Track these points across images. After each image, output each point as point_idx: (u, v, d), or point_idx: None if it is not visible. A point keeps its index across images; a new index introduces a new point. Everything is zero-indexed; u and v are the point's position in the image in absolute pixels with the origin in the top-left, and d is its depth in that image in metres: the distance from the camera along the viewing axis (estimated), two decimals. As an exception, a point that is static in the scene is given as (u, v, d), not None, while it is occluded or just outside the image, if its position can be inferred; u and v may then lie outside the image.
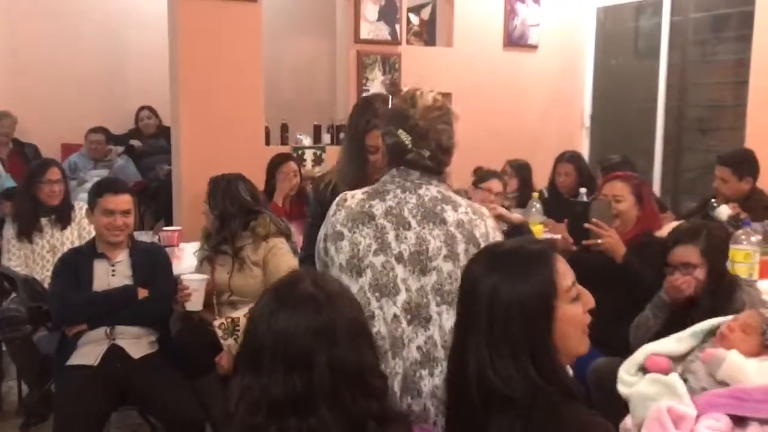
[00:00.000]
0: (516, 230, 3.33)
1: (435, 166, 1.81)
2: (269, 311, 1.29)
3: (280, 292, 1.33)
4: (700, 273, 2.35)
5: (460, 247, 1.73)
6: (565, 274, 1.31)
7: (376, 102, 2.28)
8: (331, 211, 1.85)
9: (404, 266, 1.73)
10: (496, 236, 1.80)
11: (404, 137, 1.79)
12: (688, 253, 2.36)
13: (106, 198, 2.81)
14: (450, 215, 1.76)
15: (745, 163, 3.75)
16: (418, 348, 1.71)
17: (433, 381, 1.70)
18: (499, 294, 1.27)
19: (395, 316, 1.72)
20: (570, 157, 4.55)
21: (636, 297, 2.60)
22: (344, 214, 1.81)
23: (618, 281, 2.58)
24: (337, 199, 1.86)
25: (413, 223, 1.75)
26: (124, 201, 2.84)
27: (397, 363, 1.70)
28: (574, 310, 1.30)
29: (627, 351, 2.42)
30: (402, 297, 1.72)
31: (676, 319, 2.33)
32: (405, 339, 1.71)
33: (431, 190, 1.79)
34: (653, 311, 2.48)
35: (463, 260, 1.71)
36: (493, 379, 1.24)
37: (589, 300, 1.34)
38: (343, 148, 2.41)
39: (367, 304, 1.71)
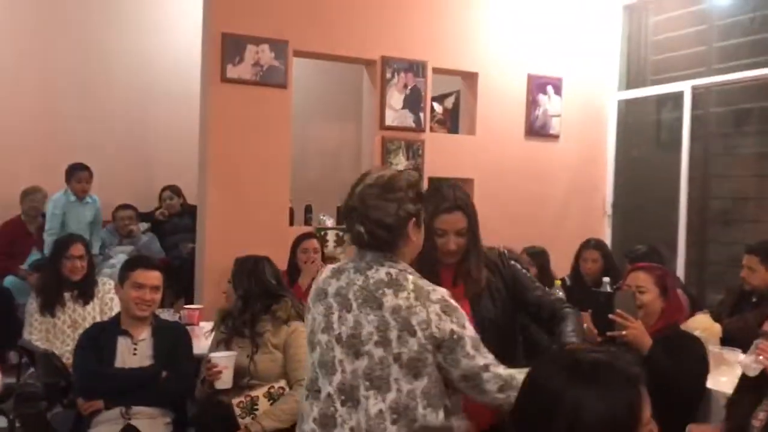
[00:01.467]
0: None
1: (375, 243, 1.77)
2: None
3: None
4: None
5: (393, 334, 1.70)
6: (648, 402, 1.24)
7: (444, 187, 2.34)
8: None
9: (341, 347, 1.75)
10: (441, 323, 1.71)
11: (344, 215, 1.84)
12: None
13: (137, 272, 2.86)
14: (389, 300, 1.72)
15: None
16: (351, 429, 1.72)
17: None
18: (581, 414, 1.18)
19: (329, 395, 1.75)
20: (596, 244, 4.54)
21: (661, 390, 2.53)
22: (314, 289, 1.87)
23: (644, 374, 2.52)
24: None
25: (354, 306, 1.76)
26: (154, 277, 2.89)
27: None
28: None
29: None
30: (337, 378, 1.74)
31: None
32: (338, 419, 1.74)
33: (380, 272, 1.76)
34: None
35: (395, 347, 1.69)
36: None
37: None
38: None
39: (315, 379, 1.80)
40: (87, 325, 3.38)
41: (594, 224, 5.97)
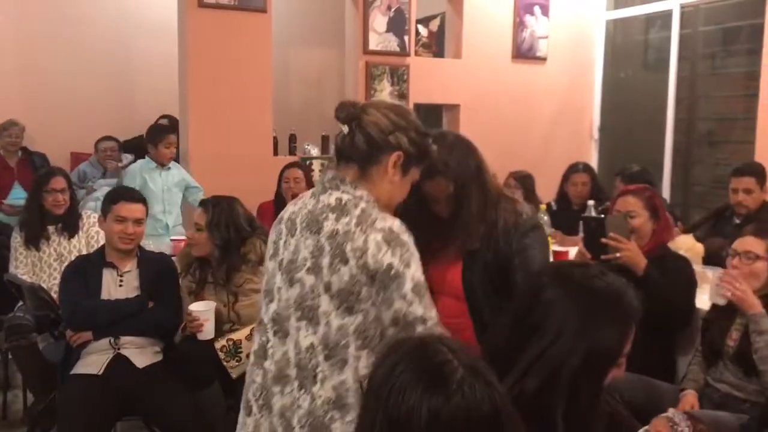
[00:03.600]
0: None
1: (350, 151, 1.61)
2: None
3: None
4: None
5: (325, 260, 1.53)
6: (630, 340, 1.30)
7: (441, 142, 1.88)
8: None
9: (281, 274, 1.63)
10: (379, 254, 1.49)
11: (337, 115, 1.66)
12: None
13: (120, 205, 2.82)
14: (328, 225, 1.55)
15: (764, 174, 3.71)
16: (276, 362, 1.60)
17: (282, 400, 1.58)
18: (571, 332, 1.25)
19: (262, 322, 1.66)
20: (585, 167, 4.54)
21: (655, 311, 2.55)
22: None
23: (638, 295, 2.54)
24: None
25: (297, 231, 1.62)
26: (137, 209, 2.85)
27: (255, 372, 1.65)
28: (613, 375, 1.31)
29: (645, 367, 2.38)
30: (273, 306, 1.63)
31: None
32: (269, 350, 1.62)
33: (331, 197, 1.59)
34: None
35: (326, 275, 1.52)
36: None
37: (621, 371, 1.34)
38: None
39: (261, 311, 1.70)
40: (73, 258, 3.36)
41: (581, 148, 5.96)
